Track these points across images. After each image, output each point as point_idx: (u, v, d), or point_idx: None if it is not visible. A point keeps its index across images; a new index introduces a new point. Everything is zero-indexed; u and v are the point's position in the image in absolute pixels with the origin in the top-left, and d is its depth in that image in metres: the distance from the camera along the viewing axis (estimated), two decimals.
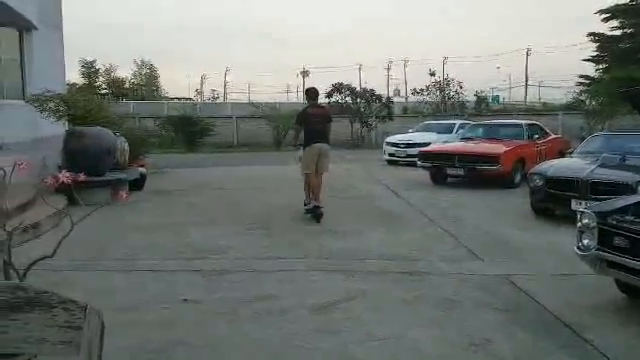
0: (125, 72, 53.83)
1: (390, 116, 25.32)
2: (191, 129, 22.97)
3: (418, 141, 14.98)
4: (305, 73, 64.92)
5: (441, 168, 11.07)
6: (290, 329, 3.75)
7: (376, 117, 25.21)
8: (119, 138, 9.82)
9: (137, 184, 9.91)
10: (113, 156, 9.23)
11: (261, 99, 39.53)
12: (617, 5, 16.92)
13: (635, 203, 4.19)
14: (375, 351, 3.42)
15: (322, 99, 29.31)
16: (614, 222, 3.84)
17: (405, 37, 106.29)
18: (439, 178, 11.27)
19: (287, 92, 67.92)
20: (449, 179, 11.31)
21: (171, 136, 22.58)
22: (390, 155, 15.93)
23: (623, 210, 3.99)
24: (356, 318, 3.94)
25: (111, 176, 8.89)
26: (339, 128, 25.91)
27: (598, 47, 17.72)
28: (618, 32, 17.07)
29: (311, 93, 8.30)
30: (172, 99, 43.27)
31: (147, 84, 47.62)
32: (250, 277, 4.94)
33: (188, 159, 18.09)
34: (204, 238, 6.44)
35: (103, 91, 38.80)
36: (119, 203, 7.48)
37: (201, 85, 60.37)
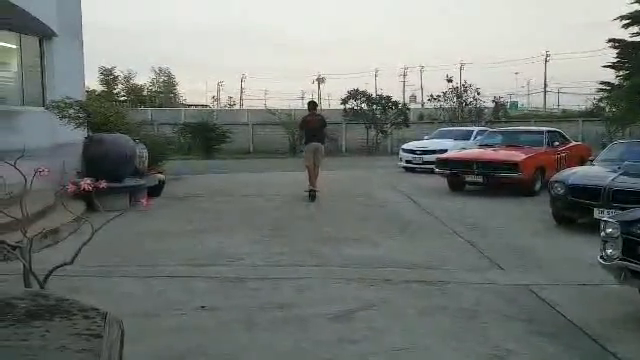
0: (143, 79, 54.55)
1: (406, 123, 25.24)
2: (208, 136, 23.16)
3: (435, 148, 14.89)
4: (321, 79, 65.17)
5: (459, 175, 10.96)
6: (308, 338, 3.71)
7: (392, 124, 25.14)
8: (138, 145, 9.91)
9: (155, 190, 9.98)
10: (132, 162, 9.31)
11: (277, 105, 39.73)
12: (637, 11, 16.66)
13: None
14: None
15: (338, 105, 29.49)
16: (639, 231, 3.75)
17: (422, 43, 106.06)
18: (457, 185, 11.17)
19: (302, 99, 68.11)
20: (467, 186, 11.20)
21: (188, 143, 22.79)
22: (407, 162, 15.85)
23: None
24: (375, 327, 3.89)
25: (130, 182, 8.96)
26: (354, 135, 25.99)
27: (618, 53, 17.44)
28: (639, 38, 16.77)
29: (310, 105, 11.42)
30: (189, 106, 43.71)
31: (165, 91, 48.17)
32: (267, 284, 4.92)
33: (205, 166, 18.20)
34: (221, 245, 6.45)
35: (122, 98, 39.32)
36: (137, 209, 7.54)
37: (218, 92, 60.93)
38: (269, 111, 29.70)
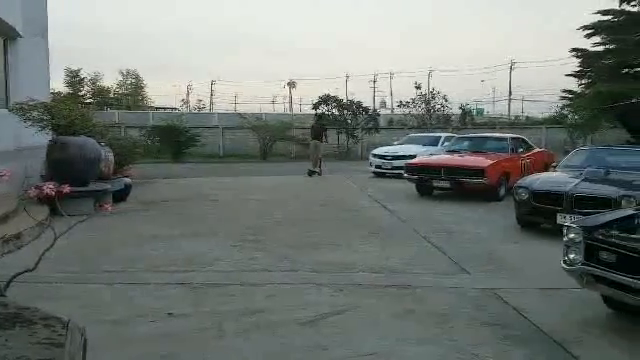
0: (110, 81, 53.47)
1: (376, 128, 25.49)
2: (177, 139, 22.84)
3: (404, 153, 15.07)
4: (292, 84, 65.22)
5: (427, 180, 11.12)
6: (278, 344, 3.70)
7: (362, 129, 25.34)
8: (104, 148, 9.70)
9: (122, 195, 9.78)
10: (97, 166, 9.11)
11: (248, 109, 39.59)
12: (600, 21, 17.26)
13: (621, 218, 4.24)
14: None
15: (309, 110, 29.56)
16: (600, 237, 3.86)
17: (391, 50, 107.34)
18: (425, 190, 11.33)
19: (273, 103, 68.00)
20: (435, 191, 11.36)
21: (157, 146, 22.43)
22: (377, 167, 15.99)
23: (609, 225, 4.02)
24: (346, 333, 3.90)
25: (95, 187, 8.76)
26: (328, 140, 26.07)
27: (581, 62, 18.02)
28: (601, 48, 17.38)
29: (316, 117, 19.09)
30: (158, 109, 43.05)
31: (132, 93, 47.32)
32: (239, 290, 4.88)
33: (174, 169, 17.96)
34: (191, 250, 6.37)
35: (88, 100, 38.45)
36: (103, 214, 7.38)
37: (187, 95, 60.08)
38: (240, 115, 29.55)
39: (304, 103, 64.43)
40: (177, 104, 54.82)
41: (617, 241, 3.76)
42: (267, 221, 8.42)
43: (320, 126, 16.87)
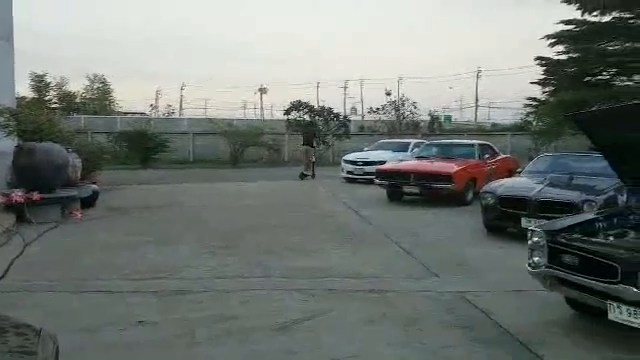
0: (77, 86, 52.26)
1: (347, 134, 25.67)
2: (146, 145, 22.51)
3: (375, 159, 15.21)
4: (263, 90, 65.01)
5: (397, 186, 11.28)
6: (250, 350, 3.72)
7: (333, 135, 25.48)
8: (71, 154, 9.52)
9: (90, 201, 9.62)
10: (65, 172, 8.93)
11: (218, 115, 39.23)
12: (563, 31, 17.84)
13: (582, 222, 4.41)
14: None
15: (281, 116, 29.60)
16: (563, 240, 4.00)
17: (362, 56, 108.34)
18: (395, 196, 11.48)
19: (244, 108, 67.59)
20: (405, 197, 11.53)
21: (125, 152, 22.07)
22: (348, 173, 16.11)
23: (571, 228, 4.17)
24: (317, 338, 3.95)
25: (62, 193, 8.59)
26: (297, 145, 26.12)
27: (545, 71, 18.57)
28: (564, 57, 17.96)
29: (307, 124, 21.29)
30: (126, 114, 42.29)
31: (99, 98, 46.37)
32: (210, 297, 4.87)
33: (143, 175, 17.70)
34: (161, 257, 6.31)
35: (54, 105, 37.50)
36: (71, 221, 7.24)
37: (156, 100, 59.13)
38: (210, 120, 29.31)
39: (275, 109, 64.46)
40: (146, 109, 53.92)
41: (578, 244, 3.90)
42: (238, 227, 8.39)
43: (311, 133, 18.88)
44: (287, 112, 25.92)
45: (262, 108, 65.46)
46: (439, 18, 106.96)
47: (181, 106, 60.93)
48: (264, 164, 24.31)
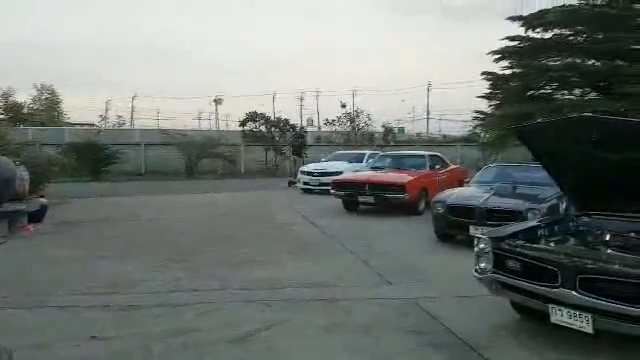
0: (24, 96, 50.19)
1: (304, 145, 25.84)
2: (96, 157, 21.94)
3: (331, 170, 15.42)
4: (218, 101, 64.42)
5: (353, 196, 11.48)
6: None
7: (290, 146, 25.60)
8: (19, 167, 9.19)
9: (38, 215, 9.29)
10: (12, 186, 8.60)
11: (171, 125, 38.63)
12: (507, 47, 18.60)
13: (525, 229, 4.66)
14: None
15: (236, 127, 29.49)
16: (507, 247, 4.22)
17: (317, 68, 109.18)
18: (351, 206, 11.68)
19: (199, 119, 66.69)
20: (360, 206, 11.73)
21: (74, 164, 21.42)
22: (305, 183, 16.24)
23: (515, 235, 4.40)
24: (274, 348, 4.00)
25: (10, 208, 8.27)
26: (254, 156, 26.11)
27: (490, 85, 19.30)
28: (509, 71, 18.73)
29: (296, 136, 22.93)
30: (74, 125, 41.00)
31: (48, 109, 44.78)
32: (165, 311, 4.84)
33: (93, 188, 17.24)
34: (115, 272, 6.20)
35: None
36: (19, 236, 7.01)
37: (106, 110, 57.51)
38: (163, 131, 28.85)
39: (230, 120, 63.79)
40: (95, 120, 52.39)
41: (521, 250, 4.13)
42: (193, 240, 8.33)
43: (300, 144, 21.51)
44: (243, 123, 25.90)
45: (217, 119, 64.84)
46: (392, 32, 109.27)
47: (132, 117, 59.56)
48: (220, 175, 24.13)
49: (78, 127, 38.11)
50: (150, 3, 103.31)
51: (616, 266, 3.61)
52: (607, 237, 4.37)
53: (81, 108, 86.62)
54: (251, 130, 25.77)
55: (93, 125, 44.73)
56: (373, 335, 4.28)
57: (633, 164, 4.07)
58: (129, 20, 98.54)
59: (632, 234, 4.36)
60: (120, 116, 51.09)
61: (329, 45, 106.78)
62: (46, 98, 45.55)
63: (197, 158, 24.07)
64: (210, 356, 3.84)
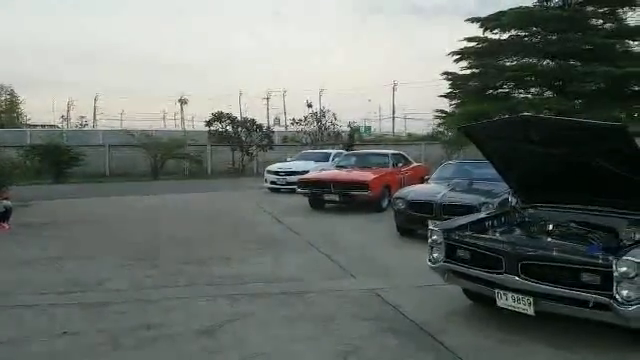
0: None
1: (270, 145, 25.95)
2: (59, 158, 21.55)
3: (297, 169, 15.63)
4: (183, 101, 63.83)
5: (319, 194, 11.74)
6: (175, 353, 3.91)
7: (257, 146, 25.67)
8: None
9: (2, 218, 9.26)
10: None
11: (135, 126, 38.08)
12: (467, 47, 19.22)
13: (474, 221, 4.99)
14: None
15: (202, 127, 29.36)
16: (457, 237, 4.54)
17: (284, 68, 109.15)
18: (317, 204, 11.94)
19: (164, 119, 65.87)
20: (327, 204, 12.00)
21: (37, 166, 21.00)
22: (272, 183, 16.41)
23: (464, 227, 4.72)
24: (241, 337, 4.20)
25: None
26: (220, 157, 26.07)
27: (451, 84, 19.91)
28: (468, 71, 19.36)
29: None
30: (35, 126, 40.00)
31: (7, 110, 43.51)
32: (133, 307, 4.97)
33: (56, 190, 16.97)
34: (81, 272, 6.28)
35: None
36: None
37: (68, 111, 56.17)
38: (127, 132, 28.46)
39: (196, 120, 63.22)
40: (57, 121, 51.11)
41: (470, 240, 4.44)
42: (160, 240, 8.41)
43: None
44: (209, 123, 25.80)
45: (183, 119, 64.22)
46: (358, 32, 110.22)
47: (95, 117, 58.38)
48: (186, 176, 24.02)
49: (40, 128, 37.21)
50: (113, 3, 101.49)
51: (554, 253, 3.95)
52: (549, 227, 4.73)
53: (42, 109, 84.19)
54: (217, 130, 25.69)
55: (55, 126, 43.74)
56: (336, 323, 4.53)
57: (570, 159, 4.43)
58: (91, 20, 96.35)
59: (572, 224, 4.73)
60: (82, 117, 49.86)
61: (296, 45, 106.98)
62: (5, 99, 44.26)
63: (163, 159, 23.89)
64: (180, 346, 4.01)
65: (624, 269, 3.49)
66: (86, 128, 46.16)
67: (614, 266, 3.53)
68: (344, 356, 3.84)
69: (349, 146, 25.07)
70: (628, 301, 3.48)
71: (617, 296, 3.51)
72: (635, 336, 3.84)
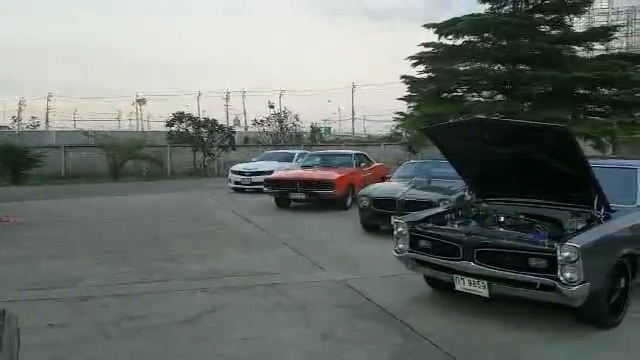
0: None
1: (232, 146, 26.01)
2: (16, 160, 21.00)
3: (262, 169, 15.88)
4: (141, 101, 62.71)
5: (285, 194, 12.09)
6: (164, 340, 4.17)
7: (218, 147, 25.68)
8: None
9: None
10: None
11: (89, 126, 37.33)
12: (423, 52, 19.90)
13: (435, 214, 5.46)
14: (243, 348, 4.04)
15: (159, 128, 29.09)
16: (420, 229, 4.99)
17: (243, 68, 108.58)
18: (283, 203, 12.28)
19: (119, 120, 64.52)
20: (292, 203, 12.35)
21: None
22: (236, 183, 16.57)
23: (427, 219, 5.19)
24: (223, 325, 4.50)
25: None
26: (181, 157, 25.94)
27: (409, 88, 20.56)
28: (424, 75, 20.05)
29: None
30: None
31: None
32: (115, 301, 5.18)
33: (15, 193, 16.63)
34: (58, 269, 6.41)
35: None
36: None
37: (19, 111, 54.23)
38: (83, 132, 27.93)
39: (153, 120, 62.20)
40: (7, 122, 49.30)
41: (431, 231, 4.91)
42: (130, 239, 8.54)
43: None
44: (169, 124, 25.62)
45: (140, 119, 63.09)
46: (320, 35, 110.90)
47: (47, 118, 56.62)
48: (146, 177, 23.82)
49: None
50: (66, 3, 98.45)
51: (505, 240, 4.44)
52: (501, 219, 5.23)
53: None
54: (178, 131, 25.54)
55: (5, 127, 42.21)
56: (309, 310, 4.89)
57: (518, 157, 4.94)
58: (44, 20, 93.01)
59: (521, 216, 5.25)
60: (34, 117, 48.27)
61: (256, 46, 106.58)
62: None
63: (121, 160, 23.59)
64: (165, 335, 4.28)
65: (567, 254, 3.99)
66: (38, 129, 44.75)
67: (558, 251, 4.03)
68: (322, 338, 4.21)
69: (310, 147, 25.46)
70: (571, 282, 3.98)
71: (561, 278, 4.01)
72: (577, 313, 4.36)
